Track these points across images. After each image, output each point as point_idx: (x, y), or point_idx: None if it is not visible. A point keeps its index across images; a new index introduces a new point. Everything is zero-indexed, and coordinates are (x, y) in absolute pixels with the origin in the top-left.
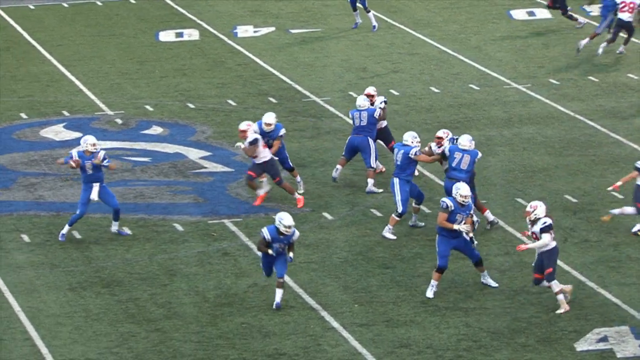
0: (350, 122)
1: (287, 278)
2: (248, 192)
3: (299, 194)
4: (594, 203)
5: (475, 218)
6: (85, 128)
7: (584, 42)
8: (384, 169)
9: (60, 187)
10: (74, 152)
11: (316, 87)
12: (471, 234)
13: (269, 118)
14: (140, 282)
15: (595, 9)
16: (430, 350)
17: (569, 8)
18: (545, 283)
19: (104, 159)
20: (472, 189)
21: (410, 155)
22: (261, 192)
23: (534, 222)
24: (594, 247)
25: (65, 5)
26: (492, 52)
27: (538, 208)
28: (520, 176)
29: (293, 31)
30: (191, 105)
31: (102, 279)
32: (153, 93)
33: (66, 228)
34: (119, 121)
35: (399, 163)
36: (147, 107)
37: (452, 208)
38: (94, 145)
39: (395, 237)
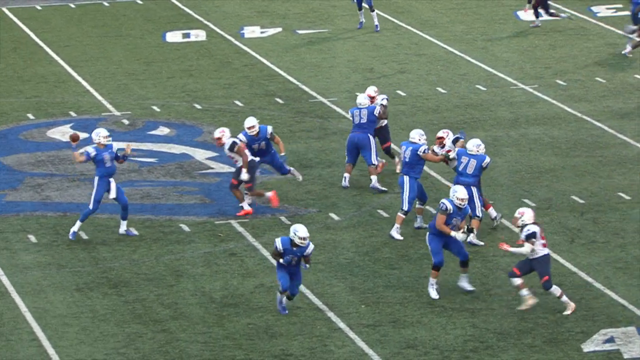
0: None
1: None
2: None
3: (296, 178)
4: (601, 204)
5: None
6: (92, 129)
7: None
8: (384, 164)
9: (67, 188)
10: (90, 149)
11: (323, 87)
12: (466, 237)
13: (250, 122)
14: (146, 282)
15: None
16: (436, 351)
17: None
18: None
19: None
20: (478, 188)
21: (419, 152)
22: (269, 194)
23: (522, 228)
24: (601, 248)
25: (72, 5)
26: (499, 52)
27: (525, 215)
28: (527, 177)
29: (300, 32)
30: (198, 106)
31: (109, 279)
32: (160, 94)
33: (77, 224)
34: (126, 122)
35: (407, 160)
36: (154, 107)
37: (451, 211)
38: (106, 137)
39: (402, 238)
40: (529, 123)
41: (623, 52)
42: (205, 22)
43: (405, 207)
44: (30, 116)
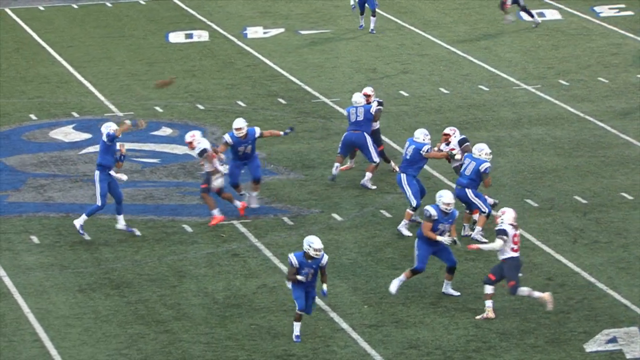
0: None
1: None
2: (258, 193)
3: (252, 207)
4: (603, 204)
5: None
6: (95, 129)
7: None
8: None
9: (69, 189)
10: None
11: (326, 88)
12: (455, 238)
13: (238, 123)
14: (149, 283)
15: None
16: (439, 351)
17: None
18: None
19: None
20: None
21: (422, 152)
22: (239, 204)
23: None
24: (604, 248)
25: (75, 6)
26: (501, 53)
27: (505, 214)
28: (530, 177)
29: (303, 32)
30: (201, 107)
31: (111, 280)
32: (162, 94)
33: (83, 217)
34: (128, 122)
35: (408, 157)
36: (157, 108)
37: (436, 217)
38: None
39: (410, 234)
40: (532, 123)
41: None
42: (208, 22)
43: (414, 203)
44: (33, 117)
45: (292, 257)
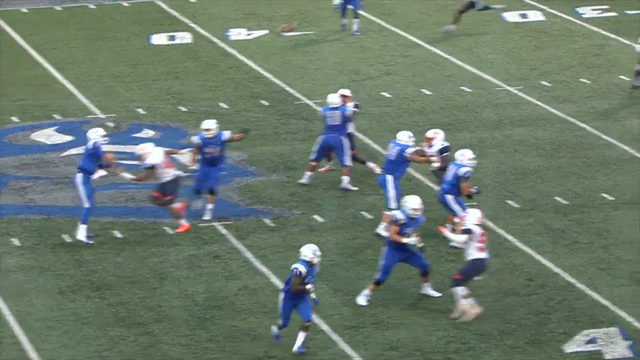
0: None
1: (276, 280)
2: (239, 195)
3: (203, 220)
4: (585, 205)
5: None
6: (77, 131)
7: None
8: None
9: (51, 191)
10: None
11: (308, 89)
12: (422, 244)
13: (207, 124)
14: (130, 285)
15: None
16: (419, 352)
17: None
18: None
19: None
20: (456, 196)
21: (405, 153)
22: (183, 222)
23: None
24: (584, 249)
25: (59, 8)
26: (484, 54)
27: (470, 214)
28: (512, 178)
29: (286, 34)
30: (183, 109)
31: (92, 282)
32: (145, 96)
33: (83, 228)
34: (111, 124)
35: (392, 159)
36: (139, 110)
37: (404, 221)
38: (103, 137)
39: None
40: (514, 124)
41: None
42: (191, 24)
43: (393, 206)
44: (15, 119)
45: (302, 268)
